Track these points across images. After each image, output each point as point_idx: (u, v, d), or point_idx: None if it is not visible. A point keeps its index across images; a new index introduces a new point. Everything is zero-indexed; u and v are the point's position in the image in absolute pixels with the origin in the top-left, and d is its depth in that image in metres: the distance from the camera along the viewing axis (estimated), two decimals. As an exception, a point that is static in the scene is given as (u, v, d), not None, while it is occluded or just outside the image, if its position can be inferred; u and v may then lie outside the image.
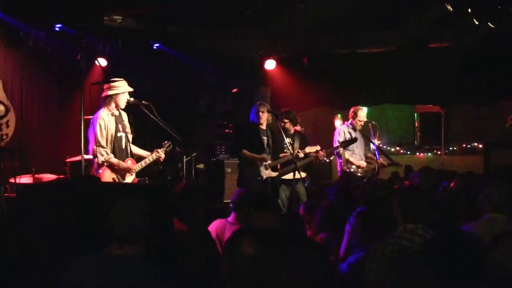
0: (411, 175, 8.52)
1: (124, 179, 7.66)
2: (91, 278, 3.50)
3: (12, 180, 8.04)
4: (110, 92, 7.68)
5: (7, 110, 9.52)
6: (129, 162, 7.75)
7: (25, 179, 8.30)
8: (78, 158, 7.92)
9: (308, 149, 9.35)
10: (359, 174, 9.73)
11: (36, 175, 8.43)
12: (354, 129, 10.02)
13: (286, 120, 9.56)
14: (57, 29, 9.71)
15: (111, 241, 3.59)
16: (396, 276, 3.26)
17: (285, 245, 3.71)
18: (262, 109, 9.20)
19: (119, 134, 7.74)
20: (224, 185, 10.56)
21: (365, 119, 10.05)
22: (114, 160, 7.60)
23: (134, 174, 7.81)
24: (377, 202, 5.72)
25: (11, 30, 9.40)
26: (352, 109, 10.16)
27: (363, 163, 9.86)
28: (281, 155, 9.31)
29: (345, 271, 4.78)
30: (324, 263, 4.13)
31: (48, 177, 8.52)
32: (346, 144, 9.61)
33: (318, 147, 9.39)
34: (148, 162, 7.96)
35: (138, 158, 8.01)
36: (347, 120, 10.23)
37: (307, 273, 3.41)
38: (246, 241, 3.21)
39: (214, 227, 5.89)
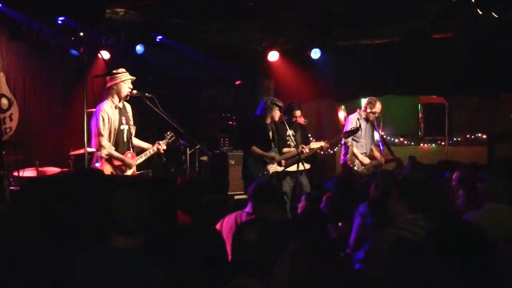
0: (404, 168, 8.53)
1: (123, 172, 7.67)
2: (94, 273, 3.50)
3: (15, 174, 8.05)
4: (112, 83, 7.70)
5: (10, 104, 9.55)
6: (129, 155, 7.77)
7: (29, 173, 8.30)
8: (81, 151, 7.91)
9: (313, 145, 9.35)
10: (359, 170, 9.68)
11: (40, 169, 8.43)
12: (366, 119, 9.94)
13: (298, 113, 9.56)
14: (59, 22, 9.69)
15: (114, 234, 3.59)
16: (398, 267, 3.25)
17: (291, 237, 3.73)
18: (280, 105, 9.19)
19: (122, 127, 7.76)
20: (227, 177, 10.55)
21: (380, 111, 9.94)
22: (116, 153, 7.61)
23: (134, 168, 7.84)
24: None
25: (14, 23, 9.39)
26: (368, 99, 10.04)
27: (367, 160, 9.80)
28: (285, 150, 9.32)
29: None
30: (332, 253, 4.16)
31: (52, 170, 8.51)
32: (348, 134, 9.58)
33: (322, 143, 9.37)
34: (148, 154, 7.99)
35: (140, 151, 8.03)
36: (356, 111, 10.13)
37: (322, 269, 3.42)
38: (249, 229, 3.22)
39: (232, 217, 5.83)
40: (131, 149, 7.91)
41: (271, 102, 9.27)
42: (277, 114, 9.17)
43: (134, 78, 7.87)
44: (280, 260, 3.18)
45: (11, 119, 9.56)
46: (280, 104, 9.25)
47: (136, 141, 8.10)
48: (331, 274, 3.72)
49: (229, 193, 10.36)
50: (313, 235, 4.28)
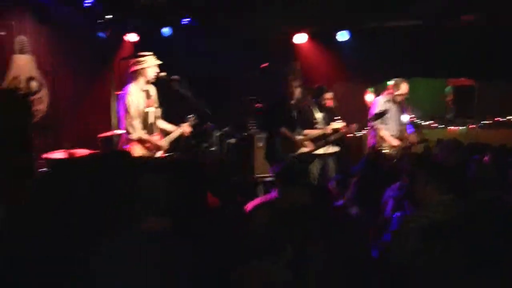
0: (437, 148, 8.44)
1: (153, 154, 7.71)
2: (125, 254, 3.51)
3: (45, 156, 8.11)
4: (137, 67, 7.71)
5: (40, 86, 9.62)
6: (156, 138, 7.80)
7: (58, 155, 8.37)
8: (110, 133, 7.97)
9: (334, 125, 9.31)
10: (388, 153, 9.59)
11: (69, 151, 8.49)
12: (393, 101, 9.83)
13: (329, 95, 9.51)
14: (87, 4, 9.73)
15: (144, 215, 3.60)
16: (427, 249, 3.22)
17: (311, 219, 3.71)
18: (295, 84, 9.15)
19: (147, 109, 7.78)
20: (255, 160, 10.55)
21: (406, 93, 9.82)
22: (145, 136, 7.64)
23: (162, 150, 7.88)
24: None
25: (43, 7, 9.45)
26: (394, 81, 9.93)
27: (395, 142, 9.70)
28: (307, 131, 9.25)
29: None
30: (355, 237, 4.13)
31: (81, 152, 8.57)
32: (376, 117, 9.50)
33: (343, 123, 9.33)
34: (174, 136, 8.00)
35: (166, 133, 8.06)
36: (382, 93, 10.05)
37: (336, 247, 3.40)
38: (261, 212, 3.22)
39: (258, 202, 5.81)
40: (157, 131, 7.95)
41: (290, 80, 9.26)
42: (297, 92, 9.12)
43: (161, 62, 7.87)
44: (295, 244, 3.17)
45: (40, 102, 9.64)
46: (299, 82, 9.23)
47: (162, 124, 8.13)
48: (353, 256, 3.70)
49: (256, 175, 10.36)
50: (325, 216, 4.26)
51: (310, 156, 9.14)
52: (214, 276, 3.65)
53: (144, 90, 7.78)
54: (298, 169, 5.75)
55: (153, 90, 7.98)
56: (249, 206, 5.67)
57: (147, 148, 7.71)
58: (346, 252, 3.58)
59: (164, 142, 7.91)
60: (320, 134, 9.06)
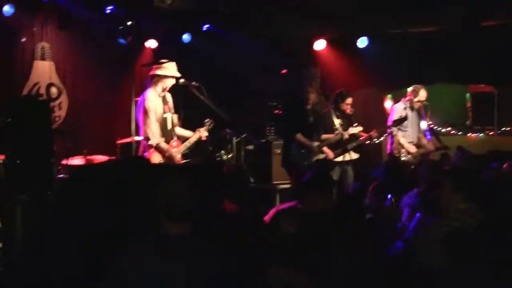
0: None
1: (170, 161, 7.74)
2: (148, 259, 3.52)
3: (64, 162, 8.17)
4: (158, 72, 7.76)
5: (59, 92, 9.71)
6: (174, 144, 7.85)
7: (77, 161, 8.42)
8: (129, 139, 8.01)
9: (352, 130, 9.27)
10: (406, 159, 9.54)
11: (88, 157, 8.54)
12: (412, 108, 9.80)
13: (350, 100, 9.51)
14: (108, 11, 9.80)
15: (164, 221, 3.61)
16: (451, 257, 3.21)
17: (336, 225, 3.72)
18: (311, 89, 9.12)
19: (165, 115, 7.83)
20: (272, 167, 10.53)
21: (425, 99, 9.78)
22: (164, 145, 7.68)
23: (179, 156, 7.91)
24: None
25: (63, 12, 9.52)
26: (412, 88, 9.88)
27: (413, 149, 9.66)
28: (324, 136, 9.22)
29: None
30: (374, 243, 4.13)
31: (100, 158, 8.63)
32: (396, 123, 9.47)
33: (360, 128, 9.31)
34: (192, 142, 8.03)
35: (183, 140, 8.09)
36: (401, 100, 10.01)
37: (357, 254, 3.40)
38: (284, 218, 3.23)
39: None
40: (175, 137, 7.99)
41: (307, 85, 9.22)
42: (313, 97, 9.08)
43: (180, 75, 7.91)
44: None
45: (60, 108, 9.73)
46: (315, 87, 9.20)
47: (179, 130, 8.16)
48: (372, 261, 3.69)
49: (273, 182, 10.34)
50: (350, 224, 4.26)
51: (330, 163, 9.10)
52: (232, 282, 3.66)
53: (161, 96, 7.83)
54: (325, 176, 5.76)
55: (169, 96, 8.03)
56: (271, 212, 5.67)
57: (165, 156, 7.74)
58: (367, 257, 3.59)
59: (183, 148, 7.94)
60: (337, 140, 9.04)
